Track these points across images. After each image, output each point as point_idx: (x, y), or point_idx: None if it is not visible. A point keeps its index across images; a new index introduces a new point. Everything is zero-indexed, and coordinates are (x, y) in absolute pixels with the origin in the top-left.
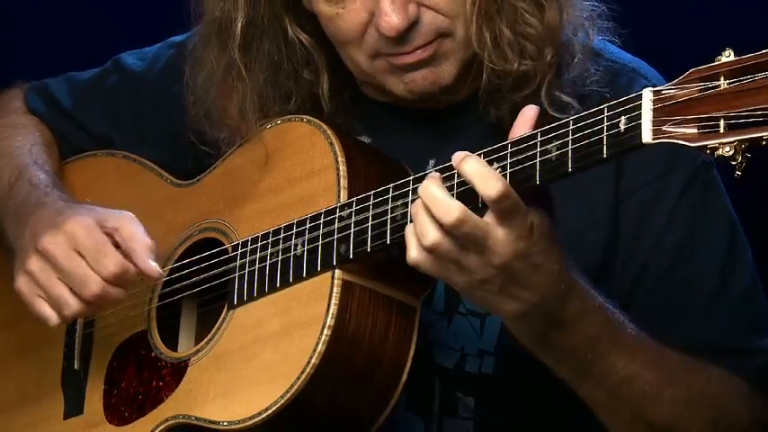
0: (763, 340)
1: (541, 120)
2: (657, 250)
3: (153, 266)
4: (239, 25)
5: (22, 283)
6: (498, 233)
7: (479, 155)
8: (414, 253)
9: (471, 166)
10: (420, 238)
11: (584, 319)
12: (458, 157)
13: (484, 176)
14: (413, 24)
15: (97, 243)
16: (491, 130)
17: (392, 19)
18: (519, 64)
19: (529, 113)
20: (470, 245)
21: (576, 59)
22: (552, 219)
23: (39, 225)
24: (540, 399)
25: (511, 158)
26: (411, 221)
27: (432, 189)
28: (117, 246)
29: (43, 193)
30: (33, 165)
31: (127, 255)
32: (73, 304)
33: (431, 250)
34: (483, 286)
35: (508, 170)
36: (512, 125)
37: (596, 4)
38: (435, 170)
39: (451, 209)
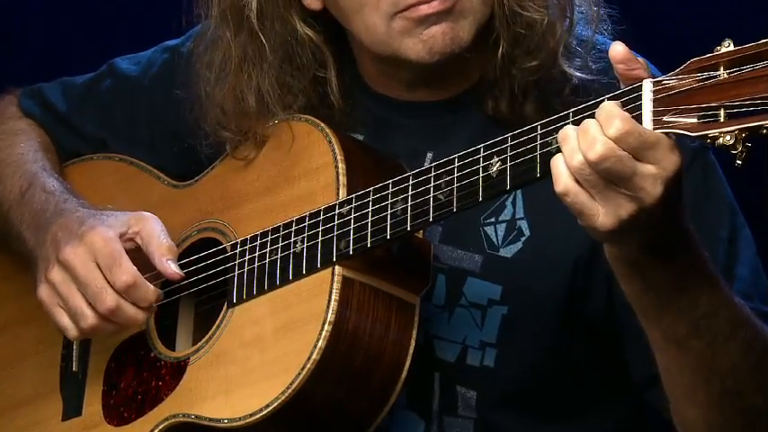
0: None
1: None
2: None
3: (171, 268)
4: (254, 5)
5: (43, 293)
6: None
7: (479, 149)
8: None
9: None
10: (586, 152)
11: (682, 247)
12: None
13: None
14: None
15: (113, 253)
16: (488, 124)
17: None
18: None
19: (616, 49)
20: (647, 156)
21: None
22: None
23: (60, 233)
24: (542, 391)
25: (511, 152)
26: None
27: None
28: (139, 249)
29: (61, 199)
30: (42, 171)
31: (147, 258)
32: (90, 317)
33: (604, 157)
34: (642, 211)
35: (509, 163)
36: (509, 119)
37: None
38: (434, 164)
39: (623, 114)
